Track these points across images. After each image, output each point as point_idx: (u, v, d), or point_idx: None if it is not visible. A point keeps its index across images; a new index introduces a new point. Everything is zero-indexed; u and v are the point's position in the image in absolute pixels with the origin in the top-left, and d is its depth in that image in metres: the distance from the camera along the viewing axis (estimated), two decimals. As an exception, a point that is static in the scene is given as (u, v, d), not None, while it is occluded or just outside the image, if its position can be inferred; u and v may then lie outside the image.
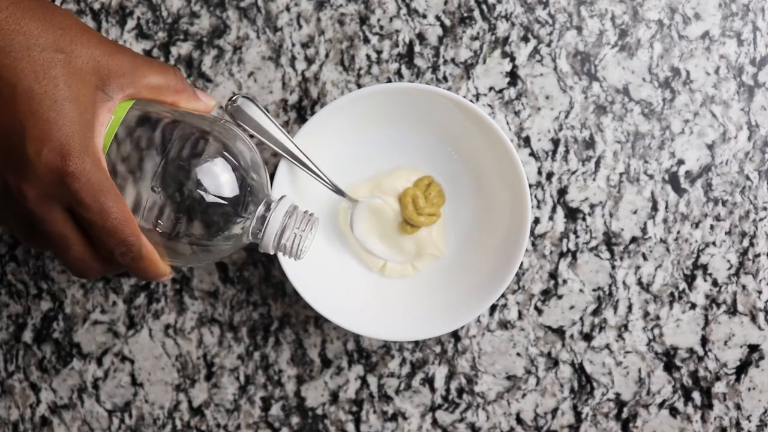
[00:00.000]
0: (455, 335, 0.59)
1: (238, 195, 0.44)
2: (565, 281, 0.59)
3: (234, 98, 0.52)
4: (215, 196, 0.43)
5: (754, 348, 0.59)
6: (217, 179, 0.43)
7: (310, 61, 0.58)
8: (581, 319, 0.59)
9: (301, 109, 0.59)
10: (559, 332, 0.59)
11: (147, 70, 0.43)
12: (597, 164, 0.58)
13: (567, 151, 0.58)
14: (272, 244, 0.46)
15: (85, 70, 0.40)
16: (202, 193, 0.43)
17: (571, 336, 0.59)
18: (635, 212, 0.59)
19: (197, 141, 0.44)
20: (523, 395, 0.60)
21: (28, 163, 0.38)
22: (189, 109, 0.46)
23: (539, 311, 0.59)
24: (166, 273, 0.45)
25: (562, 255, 0.59)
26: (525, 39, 0.58)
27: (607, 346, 0.59)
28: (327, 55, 0.58)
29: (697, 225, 0.58)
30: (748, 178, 0.58)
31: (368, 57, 0.58)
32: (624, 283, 0.59)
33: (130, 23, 0.58)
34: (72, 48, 0.40)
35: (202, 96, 0.47)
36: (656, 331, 0.59)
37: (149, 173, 0.42)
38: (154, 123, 0.43)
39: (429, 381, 0.60)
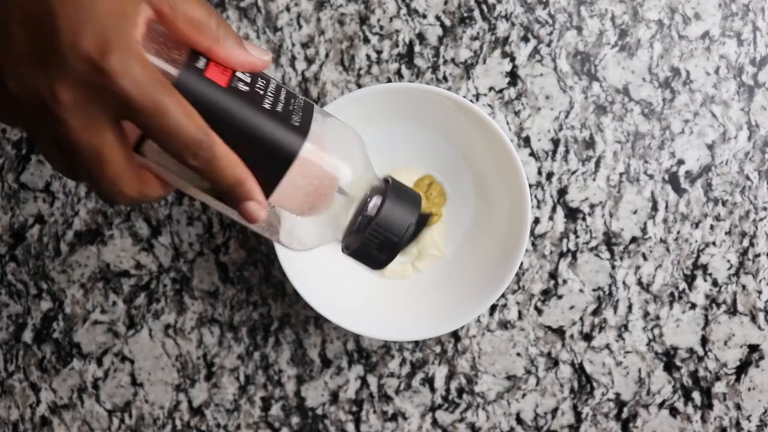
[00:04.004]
0: (455, 335, 0.59)
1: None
2: (565, 281, 0.59)
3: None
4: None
5: (754, 348, 0.59)
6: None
7: (310, 61, 0.58)
8: (581, 319, 0.59)
9: (301, 109, 0.59)
10: (559, 332, 0.59)
11: None
12: (597, 164, 0.58)
13: (567, 151, 0.58)
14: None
15: None
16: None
17: (571, 336, 0.59)
18: (635, 212, 0.59)
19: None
20: (523, 395, 0.60)
21: (61, 58, 0.33)
22: (233, 64, 0.38)
23: (539, 311, 0.59)
24: (250, 179, 0.37)
25: (562, 255, 0.59)
26: (525, 39, 0.58)
27: (607, 346, 0.59)
28: (327, 55, 0.58)
29: (697, 225, 0.58)
30: (748, 178, 0.58)
31: (368, 57, 0.58)
32: (624, 283, 0.59)
33: (130, 23, 0.58)
34: None
35: (252, 48, 0.38)
36: (656, 331, 0.59)
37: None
38: None
39: (429, 381, 0.60)
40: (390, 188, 0.40)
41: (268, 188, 0.38)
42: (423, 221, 0.41)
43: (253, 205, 0.37)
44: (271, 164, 0.37)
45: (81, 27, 0.33)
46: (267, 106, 0.37)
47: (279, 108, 0.38)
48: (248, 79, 0.38)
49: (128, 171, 0.36)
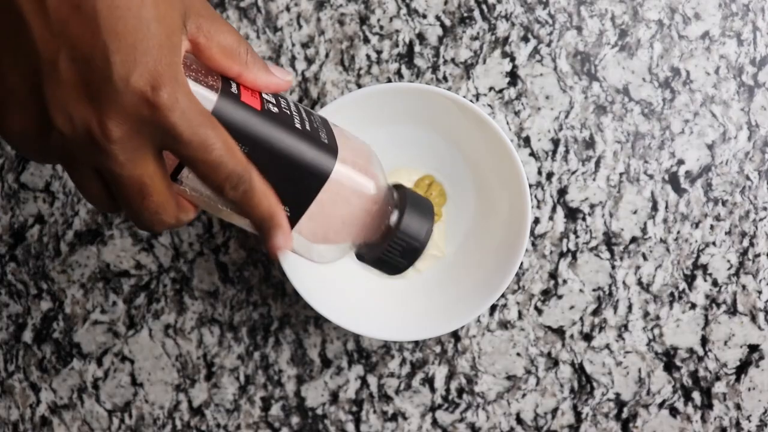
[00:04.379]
0: (455, 335, 0.59)
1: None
2: (565, 281, 0.59)
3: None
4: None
5: (754, 348, 0.59)
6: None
7: (310, 61, 0.58)
8: (581, 319, 0.59)
9: (301, 109, 0.59)
10: (559, 332, 0.59)
11: (225, 26, 0.38)
12: (597, 164, 0.58)
13: (567, 151, 0.58)
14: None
15: None
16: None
17: (571, 336, 0.59)
18: (635, 212, 0.59)
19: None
20: (523, 395, 0.60)
21: (113, 92, 0.33)
22: (260, 87, 0.39)
23: (539, 311, 0.59)
24: (281, 215, 0.38)
25: (562, 255, 0.59)
26: (525, 39, 0.58)
27: (607, 346, 0.59)
28: (327, 55, 0.58)
29: (697, 225, 0.58)
30: (748, 178, 0.58)
31: (368, 57, 0.58)
32: (624, 283, 0.59)
33: (130, 23, 0.58)
34: None
35: (276, 70, 0.40)
36: (656, 331, 0.59)
37: None
38: None
39: (429, 381, 0.60)
40: (406, 197, 0.41)
41: (300, 209, 0.38)
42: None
43: (281, 239, 0.38)
44: (305, 184, 0.38)
45: (134, 62, 0.33)
46: (298, 125, 0.38)
47: (307, 126, 0.38)
48: (274, 101, 0.38)
49: (169, 200, 0.37)
